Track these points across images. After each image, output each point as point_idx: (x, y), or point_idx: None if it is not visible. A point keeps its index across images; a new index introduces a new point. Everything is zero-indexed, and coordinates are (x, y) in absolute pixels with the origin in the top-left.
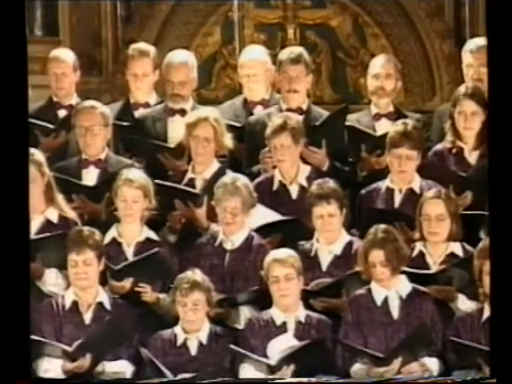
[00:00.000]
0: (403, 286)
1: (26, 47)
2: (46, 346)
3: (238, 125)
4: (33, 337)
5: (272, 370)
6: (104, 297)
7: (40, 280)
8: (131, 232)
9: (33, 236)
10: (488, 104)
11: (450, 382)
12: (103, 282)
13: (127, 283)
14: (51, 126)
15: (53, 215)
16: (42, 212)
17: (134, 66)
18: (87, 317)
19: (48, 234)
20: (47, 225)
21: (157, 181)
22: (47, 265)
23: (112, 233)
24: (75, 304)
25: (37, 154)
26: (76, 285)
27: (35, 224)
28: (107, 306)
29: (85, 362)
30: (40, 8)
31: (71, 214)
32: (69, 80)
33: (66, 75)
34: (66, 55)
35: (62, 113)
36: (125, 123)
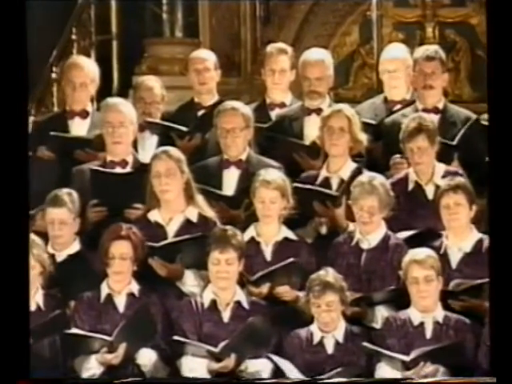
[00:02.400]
0: None
1: (25, 48)
2: (189, 345)
3: (373, 122)
4: (176, 337)
5: (407, 367)
6: (242, 296)
7: (180, 281)
8: (270, 232)
9: (172, 238)
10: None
11: (450, 381)
12: (241, 282)
13: (265, 288)
14: (184, 129)
15: (192, 214)
16: (182, 211)
17: (272, 62)
18: (225, 315)
19: (188, 236)
20: (186, 224)
21: (295, 184)
22: (187, 265)
23: (251, 232)
24: (214, 303)
25: (173, 150)
26: (216, 283)
27: (175, 224)
28: (245, 304)
29: (230, 362)
30: (180, 10)
31: (211, 214)
32: (210, 75)
33: (207, 70)
34: (206, 54)
35: (201, 113)
36: (262, 124)
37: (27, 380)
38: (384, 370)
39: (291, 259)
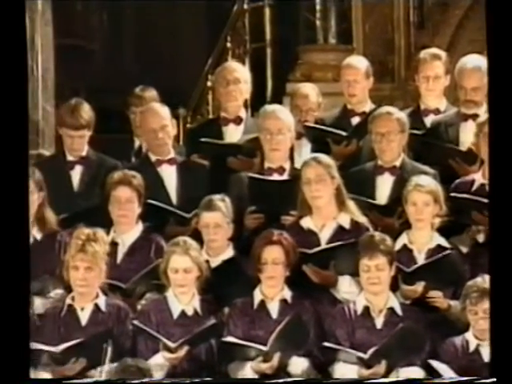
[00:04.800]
0: None
1: (25, 48)
2: (340, 352)
3: None
4: (326, 344)
5: None
6: (395, 302)
7: (334, 288)
8: (422, 238)
9: (326, 245)
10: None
11: (450, 382)
12: (394, 287)
13: (419, 287)
14: (343, 134)
15: (345, 220)
16: (334, 218)
17: (426, 69)
18: (378, 322)
19: (340, 243)
20: (339, 231)
21: (452, 194)
22: (341, 272)
23: (403, 239)
24: (367, 309)
25: (323, 157)
26: (368, 290)
27: (328, 230)
28: (398, 311)
29: (380, 368)
30: (334, 16)
31: (363, 219)
32: (361, 86)
33: (357, 82)
34: (358, 62)
35: (355, 120)
36: (416, 130)
37: (27, 382)
38: None
39: (447, 251)
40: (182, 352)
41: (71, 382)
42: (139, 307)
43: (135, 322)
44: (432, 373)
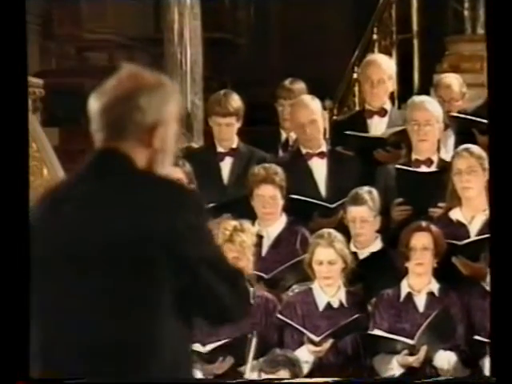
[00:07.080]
0: None
1: (25, 46)
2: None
3: None
4: (477, 337)
5: None
6: None
7: (485, 280)
8: None
9: (476, 237)
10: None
11: (450, 381)
12: None
13: None
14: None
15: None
16: (484, 210)
17: None
18: None
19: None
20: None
21: None
22: None
23: None
24: None
25: (475, 148)
26: None
27: (477, 222)
28: None
29: None
30: (482, 6)
31: None
32: None
33: None
34: None
35: None
36: None
37: (27, 380)
38: None
39: None
40: (327, 345)
41: (70, 382)
42: (285, 298)
43: (279, 315)
44: None
